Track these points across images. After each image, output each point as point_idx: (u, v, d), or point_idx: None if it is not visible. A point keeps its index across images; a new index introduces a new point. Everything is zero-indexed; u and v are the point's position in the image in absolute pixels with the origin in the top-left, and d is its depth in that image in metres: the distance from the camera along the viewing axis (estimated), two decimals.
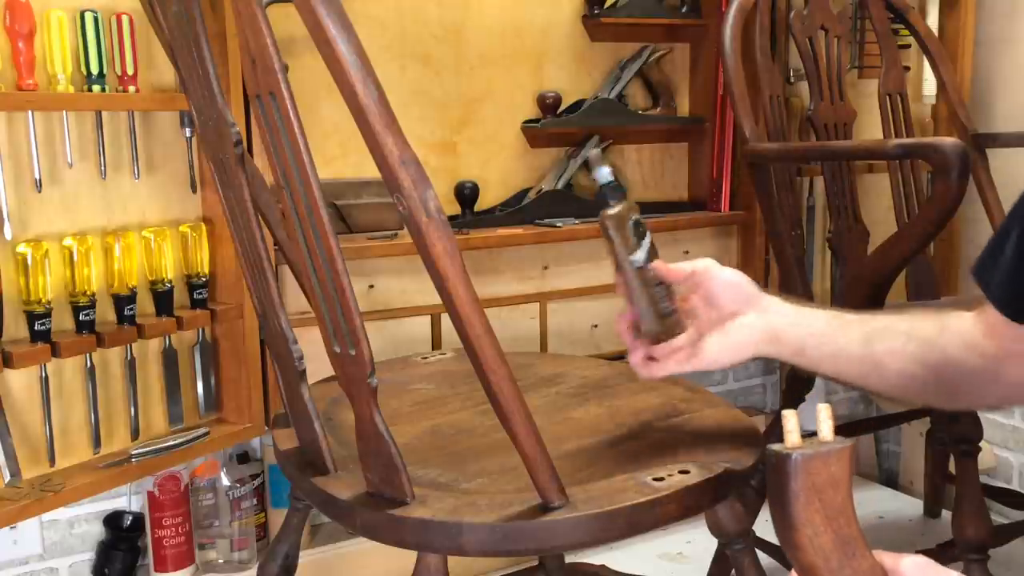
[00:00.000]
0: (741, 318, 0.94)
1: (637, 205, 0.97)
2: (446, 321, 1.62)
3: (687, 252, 1.96)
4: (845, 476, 0.58)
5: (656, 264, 0.95)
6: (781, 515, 0.58)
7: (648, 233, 0.97)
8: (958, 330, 0.90)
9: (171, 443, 1.46)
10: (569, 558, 1.52)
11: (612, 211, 0.94)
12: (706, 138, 2.00)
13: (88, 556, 1.61)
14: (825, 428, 0.59)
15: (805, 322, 0.94)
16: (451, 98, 1.80)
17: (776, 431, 1.76)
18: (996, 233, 0.88)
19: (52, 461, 1.37)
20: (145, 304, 1.44)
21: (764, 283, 1.98)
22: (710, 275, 0.96)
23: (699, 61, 2.01)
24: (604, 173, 0.95)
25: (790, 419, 0.60)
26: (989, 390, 0.90)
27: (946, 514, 2.00)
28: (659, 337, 0.96)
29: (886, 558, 0.60)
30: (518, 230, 1.77)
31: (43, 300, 1.31)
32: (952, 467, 1.48)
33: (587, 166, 1.89)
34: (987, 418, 2.08)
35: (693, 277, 0.96)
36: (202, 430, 1.50)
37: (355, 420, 0.86)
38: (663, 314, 0.96)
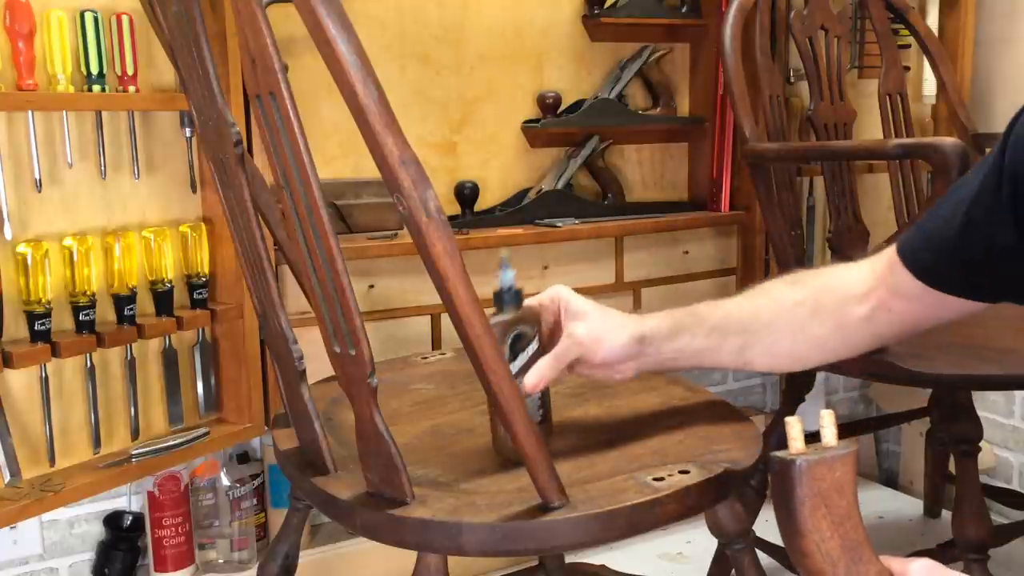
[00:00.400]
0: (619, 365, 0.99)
1: (532, 316, 0.98)
2: (446, 321, 1.62)
3: (687, 252, 1.96)
4: (850, 481, 0.58)
5: (525, 382, 0.93)
6: (787, 522, 0.58)
7: (531, 345, 0.96)
8: (831, 303, 0.98)
9: (171, 443, 1.46)
10: (569, 558, 1.52)
11: (497, 319, 0.95)
12: (706, 138, 2.00)
13: (88, 556, 1.61)
14: (828, 434, 0.59)
15: (678, 355, 1.00)
16: (451, 98, 1.80)
17: (777, 432, 1.76)
18: (930, 208, 0.95)
19: (52, 461, 1.37)
20: (145, 304, 1.44)
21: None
22: (589, 358, 0.97)
23: (699, 61, 2.01)
24: (507, 277, 0.96)
25: (794, 426, 0.60)
26: (858, 346, 1.00)
27: (946, 514, 2.00)
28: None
29: (894, 563, 0.60)
30: (518, 230, 1.77)
31: (43, 300, 1.31)
32: (952, 467, 1.49)
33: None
34: (987, 418, 2.09)
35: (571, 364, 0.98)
36: (202, 430, 1.50)
37: (355, 420, 0.86)
38: None
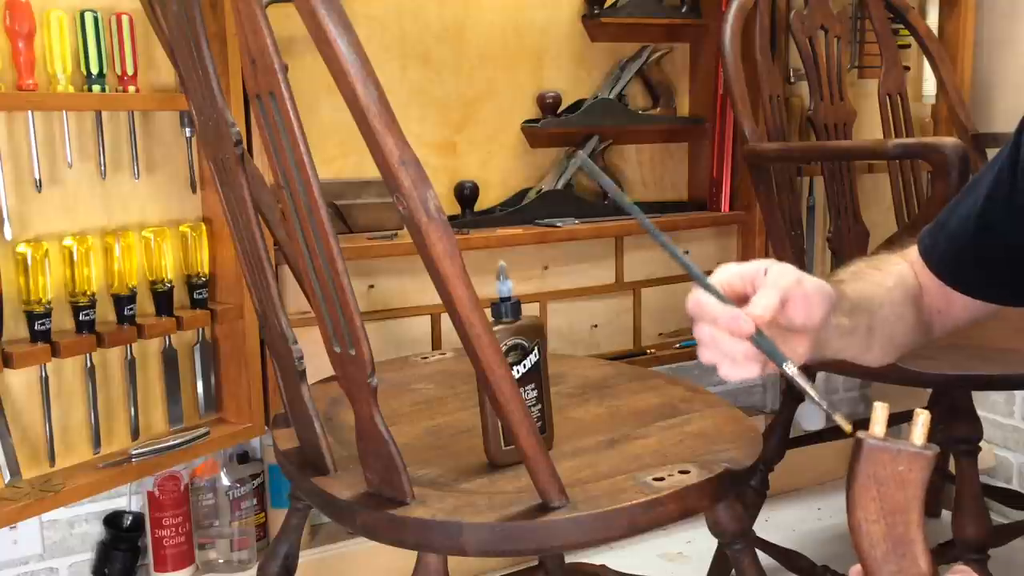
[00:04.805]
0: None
1: (537, 325, 0.97)
2: (446, 321, 1.62)
3: (687, 252, 1.96)
4: (915, 481, 0.60)
5: (753, 310, 0.76)
6: (847, 495, 0.61)
7: (529, 357, 0.96)
8: (912, 290, 0.93)
9: (171, 443, 1.46)
10: (569, 558, 1.52)
11: (495, 330, 0.93)
12: (706, 138, 2.00)
13: (88, 556, 1.61)
14: (917, 433, 0.61)
15: (846, 337, 0.86)
16: (451, 98, 1.80)
17: (776, 431, 1.76)
18: (947, 206, 0.92)
19: (52, 461, 1.37)
20: (145, 304, 1.44)
21: None
22: (798, 289, 0.80)
23: (699, 61, 2.01)
24: (506, 288, 0.96)
25: (879, 411, 0.62)
26: (926, 337, 0.95)
27: (946, 514, 2.00)
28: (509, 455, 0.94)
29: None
30: (518, 230, 1.77)
31: (43, 300, 1.31)
32: (952, 467, 1.48)
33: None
34: (987, 418, 2.09)
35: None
36: (202, 430, 1.50)
37: (355, 420, 0.86)
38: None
